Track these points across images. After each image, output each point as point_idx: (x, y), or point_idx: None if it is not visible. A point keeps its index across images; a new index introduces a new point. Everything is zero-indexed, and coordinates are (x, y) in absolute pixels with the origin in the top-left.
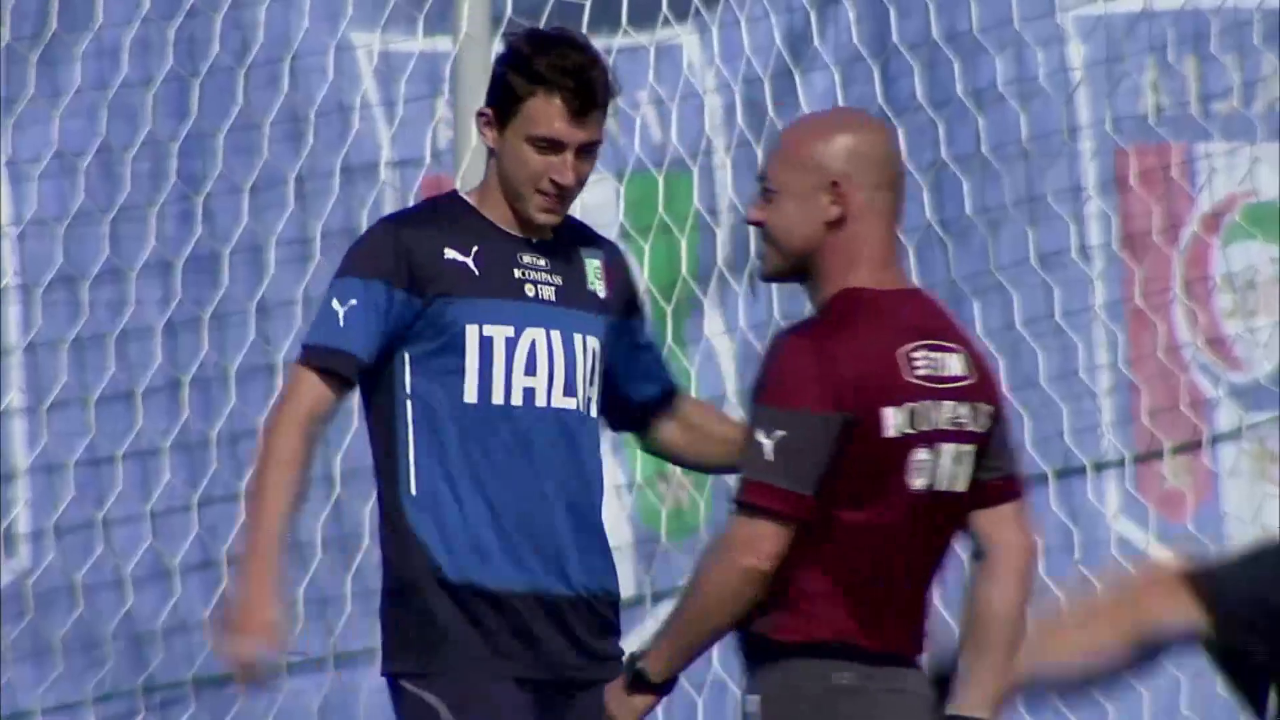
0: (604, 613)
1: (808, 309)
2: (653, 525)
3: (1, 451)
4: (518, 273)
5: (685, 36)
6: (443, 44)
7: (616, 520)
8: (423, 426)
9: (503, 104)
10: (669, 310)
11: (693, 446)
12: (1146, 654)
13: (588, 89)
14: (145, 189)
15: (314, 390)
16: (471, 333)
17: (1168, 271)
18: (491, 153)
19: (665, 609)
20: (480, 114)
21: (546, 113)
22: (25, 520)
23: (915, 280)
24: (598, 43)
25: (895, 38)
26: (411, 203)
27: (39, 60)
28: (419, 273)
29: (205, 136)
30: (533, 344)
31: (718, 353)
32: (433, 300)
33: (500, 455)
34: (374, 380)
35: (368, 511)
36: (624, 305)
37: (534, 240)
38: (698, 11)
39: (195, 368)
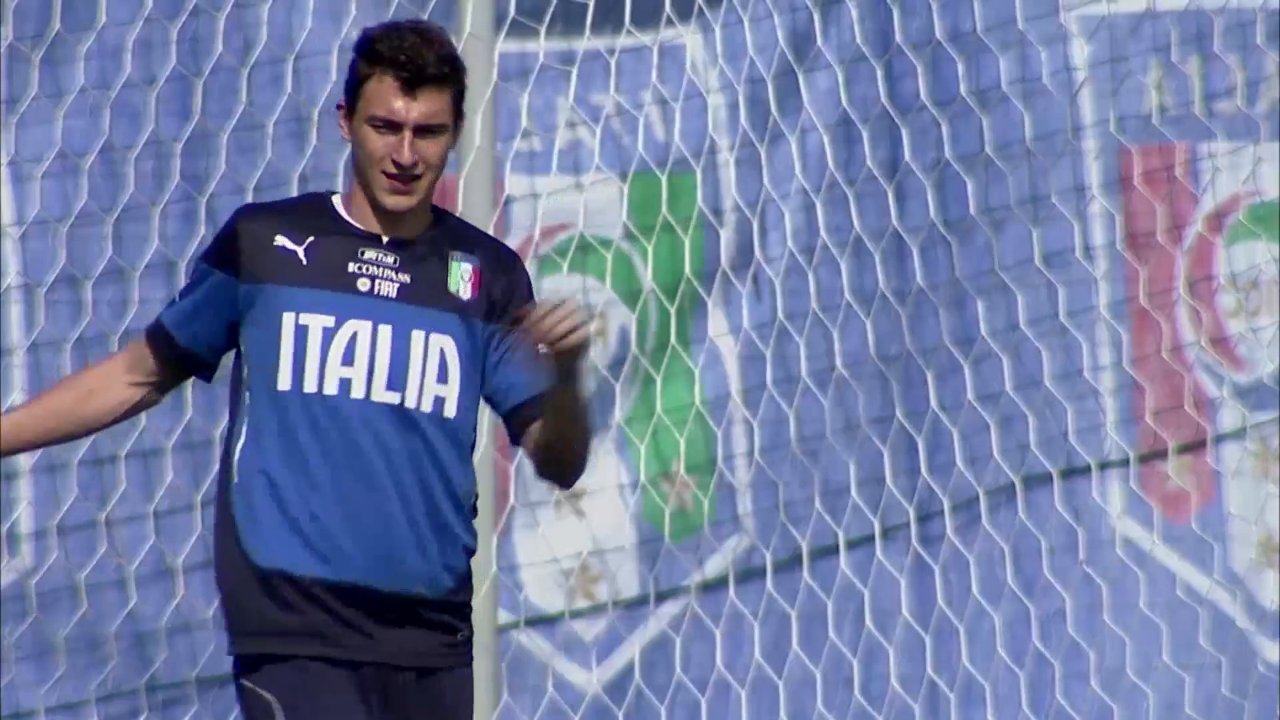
0: (432, 613)
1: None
2: (656, 525)
3: None
4: (353, 266)
5: (688, 36)
6: None
7: (620, 520)
8: (253, 415)
9: (351, 92)
10: (673, 310)
11: (540, 465)
12: None
13: (417, 65)
14: (148, 189)
15: (135, 350)
16: (288, 320)
17: (1171, 271)
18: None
19: (669, 608)
20: (337, 107)
21: (380, 92)
22: (28, 520)
23: (919, 279)
24: (601, 42)
25: (898, 37)
26: None
27: (42, 60)
28: (244, 258)
29: (208, 136)
30: (354, 335)
31: (722, 352)
32: (254, 286)
33: (319, 445)
34: (233, 371)
35: None
36: (486, 309)
37: (390, 239)
38: (701, 11)
39: None
